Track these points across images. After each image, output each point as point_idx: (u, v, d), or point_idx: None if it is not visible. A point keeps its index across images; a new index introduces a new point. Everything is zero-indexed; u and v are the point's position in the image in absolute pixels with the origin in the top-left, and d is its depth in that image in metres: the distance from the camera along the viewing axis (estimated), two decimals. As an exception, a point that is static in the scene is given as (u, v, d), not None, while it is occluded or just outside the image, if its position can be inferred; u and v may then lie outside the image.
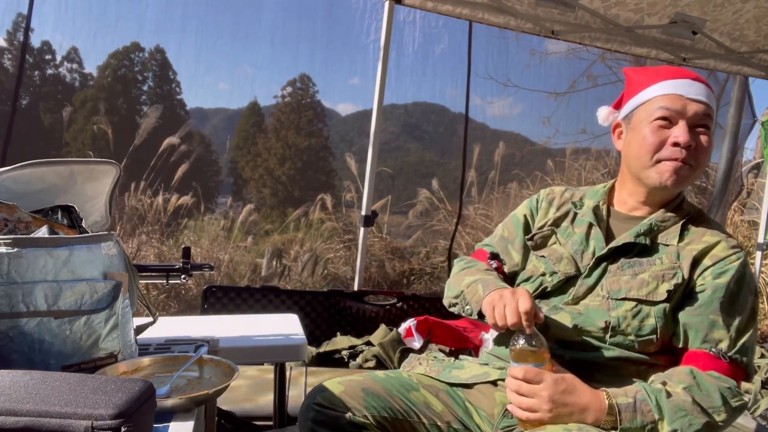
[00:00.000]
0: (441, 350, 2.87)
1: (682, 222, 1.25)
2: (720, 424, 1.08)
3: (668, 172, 1.20)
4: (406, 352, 2.82)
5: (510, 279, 1.42)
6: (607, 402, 1.08)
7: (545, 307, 1.28)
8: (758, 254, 3.96)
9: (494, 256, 1.42)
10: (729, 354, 1.14)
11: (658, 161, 1.21)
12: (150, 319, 1.33)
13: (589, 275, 1.25)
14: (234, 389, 2.39)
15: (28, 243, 0.97)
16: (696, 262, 1.19)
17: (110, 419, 0.68)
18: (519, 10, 3.14)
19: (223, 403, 2.15)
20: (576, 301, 1.24)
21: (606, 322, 1.18)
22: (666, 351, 1.21)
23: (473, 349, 2.88)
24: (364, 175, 3.36)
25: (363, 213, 3.35)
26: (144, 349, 1.32)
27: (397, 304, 3.34)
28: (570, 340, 1.21)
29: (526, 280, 1.34)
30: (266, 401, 2.36)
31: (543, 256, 1.33)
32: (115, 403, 0.70)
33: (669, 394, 1.08)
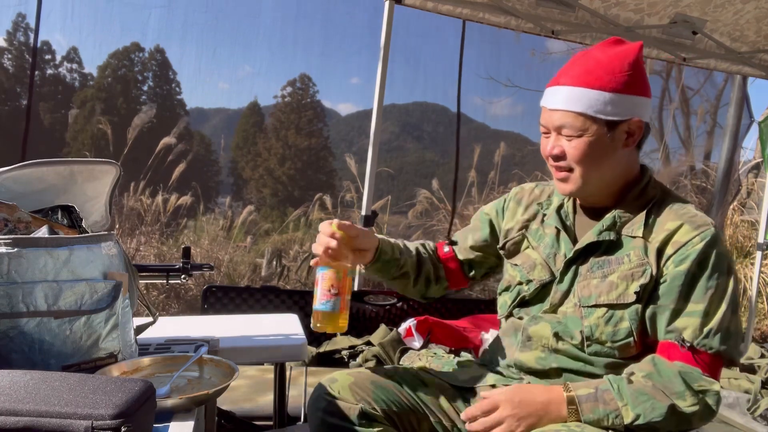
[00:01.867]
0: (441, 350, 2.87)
1: (645, 210, 1.20)
2: (688, 410, 1.06)
3: (557, 182, 1.24)
4: (406, 352, 2.82)
5: (466, 266, 1.44)
6: (565, 394, 1.10)
7: (526, 317, 1.27)
8: (758, 254, 3.95)
9: (452, 243, 1.45)
10: (695, 342, 1.09)
11: (550, 167, 1.25)
12: (150, 319, 1.33)
13: (561, 281, 1.23)
14: (234, 389, 2.39)
15: (28, 243, 0.97)
16: (660, 252, 1.15)
17: (110, 419, 0.68)
18: (519, 9, 3.14)
19: (223, 403, 2.15)
20: (554, 308, 1.23)
21: (581, 332, 1.17)
22: (651, 352, 1.18)
23: (473, 349, 2.88)
24: (364, 175, 3.36)
25: (363, 213, 3.35)
26: (144, 349, 1.32)
27: (397, 304, 3.34)
28: (553, 348, 1.21)
29: (506, 289, 1.34)
30: (266, 401, 2.36)
31: (516, 265, 1.33)
32: (115, 403, 0.70)
33: (630, 382, 1.09)
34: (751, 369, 3.05)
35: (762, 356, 3.21)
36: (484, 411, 1.12)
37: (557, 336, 1.20)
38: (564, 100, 1.17)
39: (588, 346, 1.17)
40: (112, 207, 1.33)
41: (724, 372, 2.99)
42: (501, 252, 1.38)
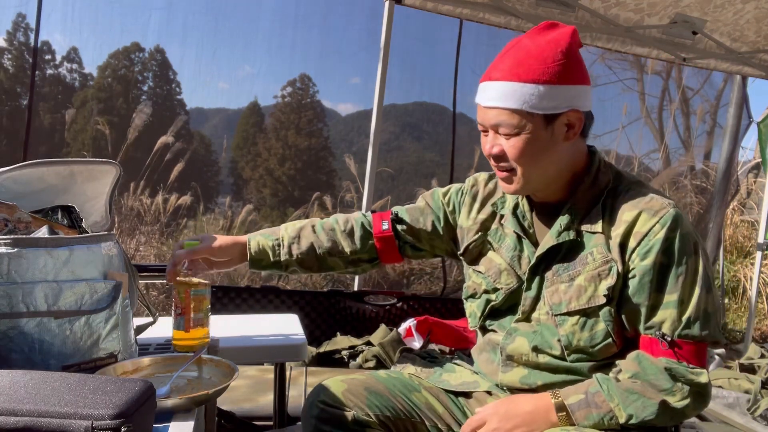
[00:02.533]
0: (441, 350, 2.87)
1: (601, 201, 1.16)
2: (679, 404, 1.04)
3: (501, 182, 1.19)
4: (406, 352, 2.82)
5: (408, 247, 1.38)
6: (553, 401, 1.08)
7: (500, 331, 1.23)
8: (758, 254, 3.95)
9: (398, 220, 1.35)
10: (675, 334, 1.07)
11: (492, 167, 1.20)
12: (150, 319, 1.34)
13: (529, 288, 1.20)
14: (234, 389, 2.39)
15: (28, 243, 0.97)
16: (623, 246, 1.11)
17: (110, 419, 0.68)
18: (519, 10, 3.14)
19: (223, 403, 2.15)
20: (526, 316, 1.20)
21: (558, 341, 1.15)
22: (634, 346, 1.15)
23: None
24: (364, 175, 3.36)
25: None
26: (144, 349, 1.32)
27: (397, 304, 3.34)
28: (534, 364, 1.18)
29: (472, 296, 1.30)
30: (266, 401, 2.36)
31: (480, 272, 1.28)
32: (115, 403, 0.70)
33: (618, 381, 1.08)
34: (751, 369, 3.05)
35: (762, 356, 3.21)
36: (473, 428, 1.11)
37: (536, 350, 1.17)
38: (497, 97, 1.10)
39: (569, 355, 1.14)
40: (112, 207, 1.33)
41: (724, 372, 2.99)
42: (462, 258, 1.33)
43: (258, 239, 1.35)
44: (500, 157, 1.14)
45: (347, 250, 1.36)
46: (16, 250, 0.95)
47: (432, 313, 3.29)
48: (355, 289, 3.42)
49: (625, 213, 1.12)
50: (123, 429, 0.68)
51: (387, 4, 3.13)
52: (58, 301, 0.98)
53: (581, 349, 1.13)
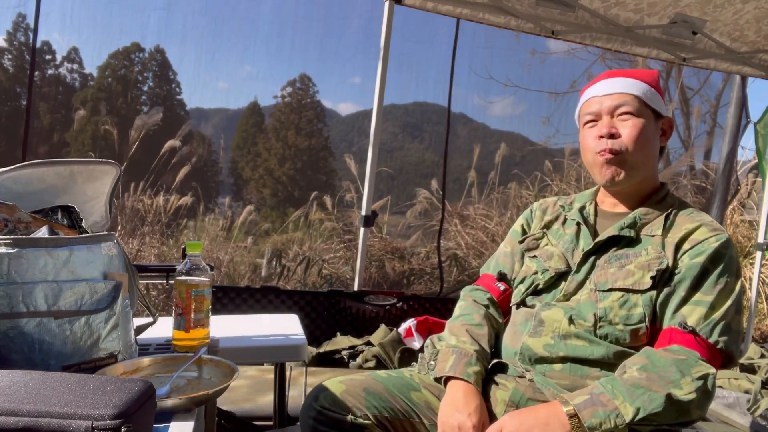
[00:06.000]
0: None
1: (665, 214, 1.27)
2: (686, 397, 1.05)
3: (603, 167, 1.26)
4: (406, 352, 2.82)
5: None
6: (564, 408, 1.08)
7: (538, 304, 1.28)
8: (758, 254, 3.95)
9: (502, 277, 1.42)
10: (698, 328, 1.12)
11: (594, 156, 1.28)
12: (150, 319, 1.34)
13: (578, 271, 1.26)
14: (234, 389, 2.39)
15: (28, 243, 0.97)
16: (678, 248, 1.20)
17: (110, 419, 0.68)
18: (519, 10, 3.14)
19: (223, 403, 2.15)
20: (567, 297, 1.25)
21: (594, 314, 1.19)
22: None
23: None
24: (364, 175, 3.36)
25: (363, 213, 3.35)
26: (144, 349, 1.33)
27: (397, 304, 3.34)
28: (565, 333, 1.21)
29: (521, 282, 1.36)
30: (266, 401, 2.36)
31: (535, 256, 1.36)
32: (115, 404, 0.70)
33: (623, 378, 1.09)
34: (751, 369, 3.05)
35: (762, 356, 3.21)
36: None
37: (570, 320, 1.21)
38: (621, 85, 1.28)
39: (600, 327, 1.18)
40: (112, 207, 1.33)
41: (724, 372, 2.99)
42: (520, 246, 1.41)
43: (472, 375, 1.24)
44: (615, 135, 1.25)
45: (496, 322, 1.39)
46: (16, 250, 0.95)
47: (432, 313, 3.29)
48: (355, 289, 3.42)
49: (686, 224, 1.24)
50: (123, 429, 0.68)
51: (387, 4, 3.13)
52: (58, 302, 0.98)
53: (614, 324, 1.18)
